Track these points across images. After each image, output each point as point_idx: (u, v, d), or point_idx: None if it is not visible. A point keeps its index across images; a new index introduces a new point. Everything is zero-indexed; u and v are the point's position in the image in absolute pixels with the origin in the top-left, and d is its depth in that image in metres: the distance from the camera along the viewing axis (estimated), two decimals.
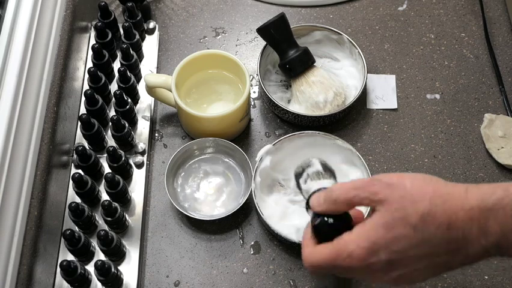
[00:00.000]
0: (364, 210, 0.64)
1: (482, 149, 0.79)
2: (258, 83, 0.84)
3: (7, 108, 0.64)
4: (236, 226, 0.74)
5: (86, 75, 0.78)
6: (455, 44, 0.88)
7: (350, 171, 0.74)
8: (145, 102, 0.81)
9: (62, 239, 0.68)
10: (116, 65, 0.82)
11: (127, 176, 0.75)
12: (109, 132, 0.75)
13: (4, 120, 0.63)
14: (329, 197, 0.53)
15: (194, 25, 0.90)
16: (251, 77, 0.85)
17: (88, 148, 0.71)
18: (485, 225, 0.46)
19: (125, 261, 0.69)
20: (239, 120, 0.76)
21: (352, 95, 0.80)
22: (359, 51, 0.79)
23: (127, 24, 0.79)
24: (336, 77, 0.82)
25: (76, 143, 0.76)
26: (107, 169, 0.74)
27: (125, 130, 0.73)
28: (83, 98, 0.76)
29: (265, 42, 0.79)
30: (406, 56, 0.87)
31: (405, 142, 0.80)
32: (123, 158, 0.72)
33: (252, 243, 0.73)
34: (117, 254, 0.68)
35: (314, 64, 0.79)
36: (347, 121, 0.81)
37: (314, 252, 0.53)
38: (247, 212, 0.74)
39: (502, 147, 0.78)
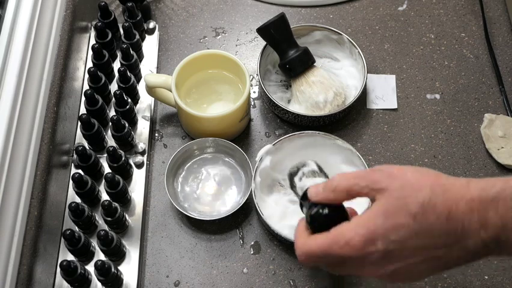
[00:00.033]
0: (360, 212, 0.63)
1: (482, 149, 0.79)
2: (258, 83, 0.84)
3: (7, 108, 0.64)
4: (236, 226, 0.74)
5: (86, 75, 0.78)
6: (455, 44, 0.88)
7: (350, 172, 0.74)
8: (145, 102, 0.81)
9: (62, 239, 0.68)
10: (116, 65, 0.82)
11: (127, 176, 0.75)
12: (109, 132, 0.75)
13: (4, 120, 0.63)
14: (328, 186, 0.52)
15: (194, 25, 0.90)
16: (251, 77, 0.85)
17: (88, 148, 0.71)
18: (485, 217, 0.46)
19: (125, 261, 0.69)
20: (239, 120, 0.76)
21: (352, 95, 0.80)
22: (359, 51, 0.79)
23: (127, 24, 0.79)
24: (336, 77, 0.82)
25: (76, 143, 0.76)
26: (107, 169, 0.74)
27: (125, 130, 0.73)
28: (83, 98, 0.76)
29: (265, 42, 0.79)
30: (406, 56, 0.87)
31: (405, 142, 0.80)
32: (123, 158, 0.72)
33: (252, 243, 0.73)
34: (117, 254, 0.68)
35: (314, 64, 0.79)
36: (347, 121, 0.81)
37: (309, 241, 0.52)
38: (247, 212, 0.74)
39: (502, 147, 0.78)
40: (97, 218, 0.71)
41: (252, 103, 0.83)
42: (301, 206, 0.58)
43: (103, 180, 0.70)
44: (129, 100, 0.76)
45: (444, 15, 0.90)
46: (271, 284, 0.70)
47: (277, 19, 0.76)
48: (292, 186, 0.62)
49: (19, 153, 0.64)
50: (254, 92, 0.84)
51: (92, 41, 0.84)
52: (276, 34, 0.77)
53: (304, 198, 0.56)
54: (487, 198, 0.46)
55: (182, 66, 0.76)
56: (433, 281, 0.69)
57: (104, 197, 0.72)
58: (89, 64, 0.82)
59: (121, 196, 0.71)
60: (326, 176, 0.62)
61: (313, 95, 0.77)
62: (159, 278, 0.70)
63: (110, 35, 0.80)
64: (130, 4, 0.81)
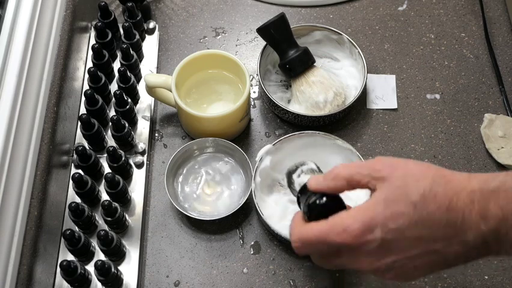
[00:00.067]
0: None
1: (482, 149, 0.79)
2: (258, 83, 0.84)
3: (7, 108, 0.64)
4: (236, 226, 0.74)
5: (86, 75, 0.78)
6: (455, 44, 0.88)
7: None
8: (145, 102, 0.81)
9: (62, 239, 0.68)
10: (116, 65, 0.82)
11: (127, 176, 0.75)
12: (109, 132, 0.75)
13: (4, 120, 0.63)
14: (328, 174, 0.52)
15: (194, 25, 0.90)
16: (251, 77, 0.85)
17: (88, 148, 0.71)
18: (486, 208, 0.46)
19: (125, 261, 0.69)
20: (239, 120, 0.76)
21: (352, 95, 0.80)
22: (359, 51, 0.79)
23: (127, 24, 0.79)
24: (336, 77, 0.82)
25: (76, 143, 0.76)
26: (107, 169, 0.74)
27: (125, 130, 0.73)
28: (83, 98, 0.76)
29: (265, 42, 0.79)
30: (406, 56, 0.87)
31: (405, 142, 0.80)
32: (123, 158, 0.72)
33: (252, 243, 0.73)
34: (117, 254, 0.68)
35: (314, 64, 0.79)
36: (347, 121, 0.81)
37: (305, 228, 0.51)
38: (247, 212, 0.74)
39: (502, 147, 0.78)
40: (97, 218, 0.71)
41: (252, 103, 0.83)
42: (299, 201, 0.58)
43: (103, 180, 0.70)
44: (129, 100, 0.76)
45: (444, 15, 0.90)
46: (271, 284, 0.70)
47: (277, 19, 0.76)
48: (290, 183, 0.62)
49: (19, 153, 0.64)
50: (254, 92, 0.84)
51: (92, 41, 0.84)
52: (276, 34, 0.77)
53: (302, 192, 0.56)
54: (488, 189, 0.46)
55: (182, 66, 0.76)
56: (433, 281, 0.69)
57: (104, 197, 0.72)
58: (89, 64, 0.82)
59: (121, 196, 0.71)
60: None
61: (313, 95, 0.77)
62: (159, 278, 0.70)
63: (110, 35, 0.80)
64: (130, 4, 0.81)
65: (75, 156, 0.72)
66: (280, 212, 0.72)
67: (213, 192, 0.75)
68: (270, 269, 0.71)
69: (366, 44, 0.88)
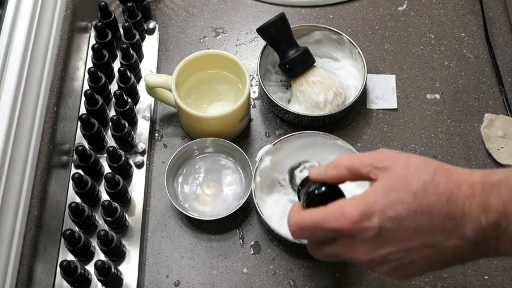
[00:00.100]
0: None
1: (482, 149, 0.79)
2: (258, 83, 0.84)
3: (7, 108, 0.64)
4: (236, 226, 0.74)
5: (86, 75, 0.78)
6: (455, 44, 0.88)
7: None
8: (145, 102, 0.81)
9: (62, 239, 0.68)
10: (116, 65, 0.82)
11: (127, 176, 0.75)
12: (109, 132, 0.75)
13: (4, 120, 0.63)
14: (330, 164, 0.52)
15: (194, 25, 0.90)
16: (251, 77, 0.85)
17: (88, 148, 0.71)
18: (487, 201, 0.45)
19: (125, 261, 0.69)
20: (239, 120, 0.76)
21: (352, 95, 0.80)
22: (359, 51, 0.79)
23: (127, 24, 0.79)
24: (336, 77, 0.82)
25: (76, 143, 0.76)
26: (107, 169, 0.74)
27: (125, 130, 0.73)
28: (83, 98, 0.76)
29: (265, 42, 0.79)
30: (406, 56, 0.87)
31: (405, 142, 0.80)
32: (123, 158, 0.72)
33: (252, 243, 0.73)
34: (117, 254, 0.68)
35: (314, 64, 0.79)
36: (347, 121, 0.81)
37: (303, 213, 0.51)
38: (247, 212, 0.74)
39: (502, 147, 0.78)
40: (97, 218, 0.71)
41: (252, 103, 0.83)
42: (299, 194, 0.57)
43: (103, 180, 0.70)
44: (129, 100, 0.76)
45: (444, 15, 0.90)
46: (271, 284, 0.70)
47: (277, 19, 0.76)
48: (292, 179, 0.62)
49: (19, 153, 0.64)
50: (254, 92, 0.84)
51: (92, 41, 0.84)
52: (276, 34, 0.77)
53: (303, 185, 0.56)
54: (489, 182, 0.46)
55: (182, 66, 0.76)
56: (433, 281, 0.69)
57: (104, 197, 0.72)
58: (89, 64, 0.82)
59: (121, 196, 0.71)
60: None
61: (313, 95, 0.77)
62: (159, 278, 0.70)
63: (110, 35, 0.80)
64: (130, 4, 0.81)
65: (75, 156, 0.72)
66: (280, 212, 0.72)
67: (212, 192, 0.75)
68: (270, 269, 0.71)
69: (366, 44, 0.88)
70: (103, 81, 0.77)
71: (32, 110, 0.68)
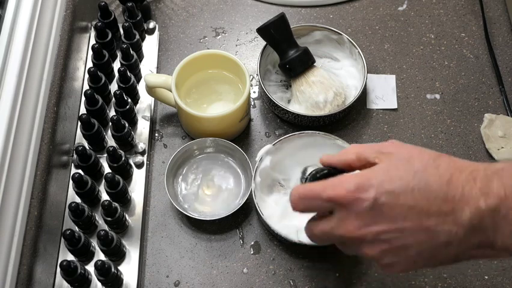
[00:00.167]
0: None
1: (482, 149, 0.79)
2: (258, 83, 0.84)
3: (7, 108, 0.64)
4: (236, 226, 0.74)
5: (86, 75, 0.78)
6: (455, 44, 0.88)
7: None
8: (145, 102, 0.81)
9: (62, 239, 0.68)
10: (116, 65, 0.82)
11: (127, 176, 0.75)
12: (109, 132, 0.75)
13: (4, 120, 0.63)
14: (342, 150, 0.54)
15: (194, 25, 0.90)
16: (251, 77, 0.85)
17: (88, 148, 0.71)
18: (488, 186, 0.45)
19: (125, 261, 0.69)
20: (239, 120, 0.76)
21: (352, 95, 0.80)
22: (359, 51, 0.79)
23: (127, 24, 0.79)
24: (336, 77, 0.82)
25: (76, 143, 0.76)
26: (107, 169, 0.74)
27: (125, 130, 0.73)
28: (83, 98, 0.76)
29: (265, 42, 0.79)
30: (406, 56, 0.87)
31: (405, 142, 0.79)
32: (123, 158, 0.72)
33: (252, 243, 0.73)
34: (117, 254, 0.68)
35: (314, 64, 0.79)
36: (347, 121, 0.81)
37: (305, 185, 0.52)
38: (247, 212, 0.74)
39: (502, 147, 0.78)
40: (97, 218, 0.71)
41: (252, 103, 0.83)
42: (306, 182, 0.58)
43: (103, 180, 0.70)
44: (129, 100, 0.76)
45: (444, 15, 0.90)
46: (271, 284, 0.70)
47: (277, 19, 0.76)
48: (303, 175, 0.62)
49: (19, 153, 0.64)
50: (254, 92, 0.84)
51: (92, 41, 0.84)
52: (276, 34, 0.77)
53: (312, 179, 0.57)
54: (491, 169, 0.46)
55: (182, 66, 0.76)
56: (433, 281, 0.69)
57: (104, 197, 0.72)
58: (89, 64, 0.82)
59: (121, 196, 0.71)
60: None
61: (313, 95, 0.77)
62: (159, 278, 0.70)
63: (110, 35, 0.80)
64: (130, 4, 0.81)
65: (75, 156, 0.72)
66: (280, 212, 0.72)
67: (212, 192, 0.75)
68: (270, 269, 0.71)
69: (366, 44, 0.88)
70: (103, 81, 0.77)
71: (32, 110, 0.68)
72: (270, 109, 0.82)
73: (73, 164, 0.75)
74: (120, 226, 0.70)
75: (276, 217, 0.71)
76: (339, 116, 0.77)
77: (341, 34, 0.81)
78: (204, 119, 0.74)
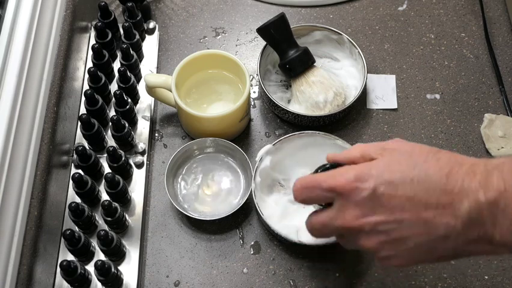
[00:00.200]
0: None
1: (482, 149, 0.79)
2: (258, 83, 0.84)
3: (7, 108, 0.64)
4: (236, 226, 0.74)
5: (86, 75, 0.78)
6: (455, 44, 0.88)
7: None
8: (145, 102, 0.81)
9: (62, 239, 0.68)
10: (116, 65, 0.82)
11: (127, 176, 0.75)
12: (109, 132, 0.75)
13: (4, 120, 0.63)
14: (344, 151, 0.54)
15: (194, 25, 0.90)
16: (251, 77, 0.85)
17: (88, 148, 0.71)
18: (488, 179, 0.45)
19: (125, 261, 0.69)
20: (239, 120, 0.76)
21: (352, 95, 0.80)
22: (359, 51, 0.79)
23: (127, 24, 0.79)
24: (336, 77, 0.82)
25: (76, 143, 0.76)
26: (107, 169, 0.74)
27: (125, 130, 0.73)
28: (83, 98, 0.76)
29: (265, 42, 0.79)
30: (406, 56, 0.87)
31: None
32: (123, 158, 0.72)
33: (252, 243, 0.73)
34: (117, 254, 0.68)
35: (314, 64, 0.79)
36: (347, 121, 0.81)
37: (307, 175, 0.54)
38: (247, 212, 0.74)
39: (502, 147, 0.78)
40: (97, 218, 0.71)
41: (252, 103, 0.83)
42: None
43: (103, 180, 0.70)
44: (129, 100, 0.76)
45: (444, 15, 0.90)
46: (271, 284, 0.70)
47: (277, 19, 0.76)
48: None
49: (19, 153, 0.64)
50: (254, 92, 0.84)
51: (92, 41, 0.84)
52: (276, 34, 0.77)
53: (315, 172, 0.57)
54: (492, 164, 0.46)
55: (182, 66, 0.76)
56: (433, 281, 0.69)
57: (104, 197, 0.72)
58: (89, 64, 0.82)
59: (121, 196, 0.71)
60: None
61: (313, 95, 0.77)
62: (159, 278, 0.70)
63: (110, 35, 0.80)
64: (130, 4, 0.81)
65: (75, 156, 0.72)
66: (280, 212, 0.72)
67: (212, 192, 0.75)
68: (270, 269, 0.71)
69: (366, 44, 0.88)
70: (103, 81, 0.77)
71: (32, 110, 0.68)
72: (270, 109, 0.82)
73: (72, 164, 0.75)
74: (120, 226, 0.70)
75: (276, 217, 0.71)
76: (339, 116, 0.77)
77: (341, 34, 0.81)
78: (204, 119, 0.74)
